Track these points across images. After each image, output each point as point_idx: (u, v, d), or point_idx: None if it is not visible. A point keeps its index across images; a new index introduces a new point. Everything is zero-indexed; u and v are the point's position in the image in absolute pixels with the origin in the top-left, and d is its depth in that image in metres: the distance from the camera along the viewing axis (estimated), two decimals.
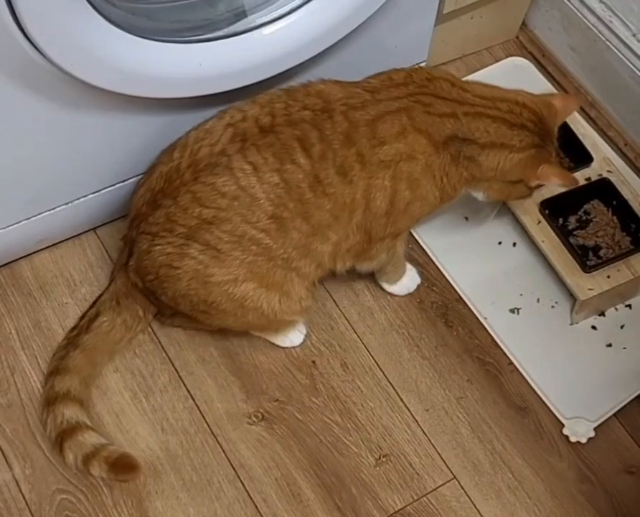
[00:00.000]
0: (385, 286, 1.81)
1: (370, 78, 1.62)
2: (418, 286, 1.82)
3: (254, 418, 1.67)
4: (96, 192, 1.75)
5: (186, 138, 1.59)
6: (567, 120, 1.92)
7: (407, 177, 1.56)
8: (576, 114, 1.99)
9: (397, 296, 1.81)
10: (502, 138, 1.58)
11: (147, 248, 1.58)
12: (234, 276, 1.56)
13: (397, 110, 1.55)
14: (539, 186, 1.66)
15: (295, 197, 1.53)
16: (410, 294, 1.82)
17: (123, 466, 1.55)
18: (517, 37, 2.19)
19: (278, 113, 1.55)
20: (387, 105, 1.56)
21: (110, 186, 1.76)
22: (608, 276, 1.75)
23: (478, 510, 1.61)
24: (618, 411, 1.70)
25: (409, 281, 1.82)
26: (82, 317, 1.68)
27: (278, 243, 1.55)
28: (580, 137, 1.91)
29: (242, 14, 1.63)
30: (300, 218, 1.54)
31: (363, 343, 1.76)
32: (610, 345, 1.77)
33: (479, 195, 1.68)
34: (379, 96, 1.57)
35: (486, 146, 1.58)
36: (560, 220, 1.82)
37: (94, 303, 1.68)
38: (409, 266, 1.82)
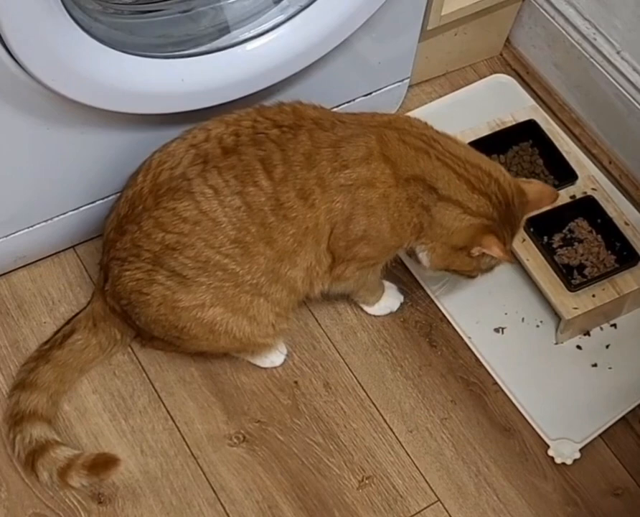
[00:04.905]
0: (364, 307, 1.79)
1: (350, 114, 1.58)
2: (401, 304, 1.81)
3: (235, 440, 1.65)
4: (76, 209, 1.73)
5: (150, 161, 1.56)
6: (551, 137, 1.93)
7: (364, 202, 1.51)
8: (560, 131, 2.00)
9: (379, 316, 1.79)
10: (459, 196, 1.52)
11: (118, 274, 1.56)
12: (200, 302, 1.53)
13: (366, 134, 1.51)
14: (479, 258, 1.59)
15: (258, 221, 1.49)
16: (392, 312, 1.80)
17: (102, 463, 1.52)
18: (501, 54, 2.18)
19: (244, 132, 1.51)
20: (357, 129, 1.52)
21: (90, 203, 1.74)
22: (593, 295, 1.74)
23: None
24: (604, 431, 1.69)
25: (389, 300, 1.80)
26: (56, 332, 1.66)
27: (245, 269, 1.52)
28: (564, 154, 1.91)
29: (225, 30, 1.62)
30: (264, 243, 1.51)
31: (346, 363, 1.74)
32: (595, 365, 1.76)
33: (423, 257, 1.61)
34: (350, 124, 1.53)
35: (442, 199, 1.52)
36: (545, 238, 1.81)
37: (70, 320, 1.66)
38: (389, 285, 1.80)
